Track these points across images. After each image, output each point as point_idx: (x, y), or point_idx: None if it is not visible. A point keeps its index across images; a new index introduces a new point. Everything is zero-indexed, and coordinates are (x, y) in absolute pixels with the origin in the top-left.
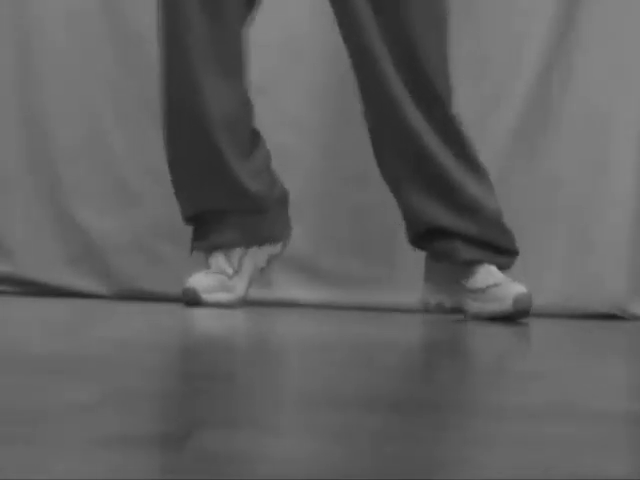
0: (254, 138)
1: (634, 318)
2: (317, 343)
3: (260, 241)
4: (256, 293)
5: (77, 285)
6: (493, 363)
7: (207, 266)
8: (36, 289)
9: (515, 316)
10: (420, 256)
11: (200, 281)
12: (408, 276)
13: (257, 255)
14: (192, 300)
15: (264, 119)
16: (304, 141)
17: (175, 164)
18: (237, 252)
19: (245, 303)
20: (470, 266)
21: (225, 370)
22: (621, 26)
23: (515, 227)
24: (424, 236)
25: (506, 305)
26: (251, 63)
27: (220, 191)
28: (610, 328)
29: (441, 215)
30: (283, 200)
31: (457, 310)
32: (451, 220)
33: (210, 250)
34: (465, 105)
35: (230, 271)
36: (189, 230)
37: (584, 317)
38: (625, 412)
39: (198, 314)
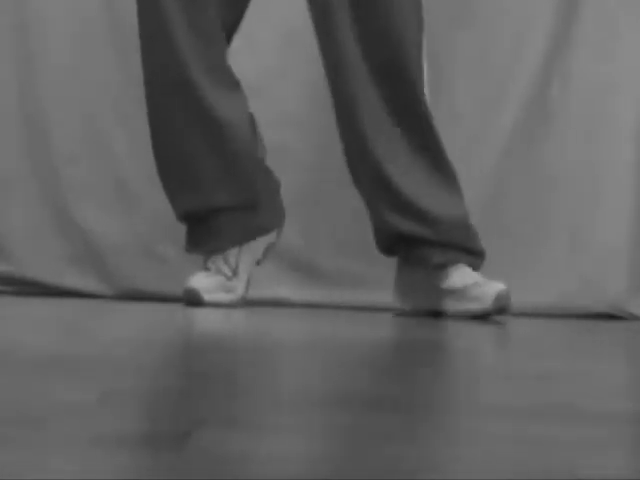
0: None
1: (634, 318)
2: (316, 343)
3: (254, 235)
4: (256, 293)
5: (77, 285)
6: (493, 364)
7: (205, 265)
8: (36, 289)
9: (495, 313)
10: None
11: (201, 281)
12: None
13: (253, 248)
14: (193, 300)
15: (263, 118)
16: (303, 140)
17: (162, 149)
18: (233, 252)
19: (245, 303)
20: (442, 268)
21: (225, 370)
22: (620, 26)
23: (515, 227)
24: (393, 244)
25: (486, 303)
26: (249, 62)
27: (215, 187)
28: (610, 328)
29: (403, 224)
30: (275, 189)
31: (433, 313)
32: (415, 228)
33: (207, 254)
34: (464, 105)
35: (229, 272)
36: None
37: (584, 317)
38: (625, 412)
39: (198, 314)
